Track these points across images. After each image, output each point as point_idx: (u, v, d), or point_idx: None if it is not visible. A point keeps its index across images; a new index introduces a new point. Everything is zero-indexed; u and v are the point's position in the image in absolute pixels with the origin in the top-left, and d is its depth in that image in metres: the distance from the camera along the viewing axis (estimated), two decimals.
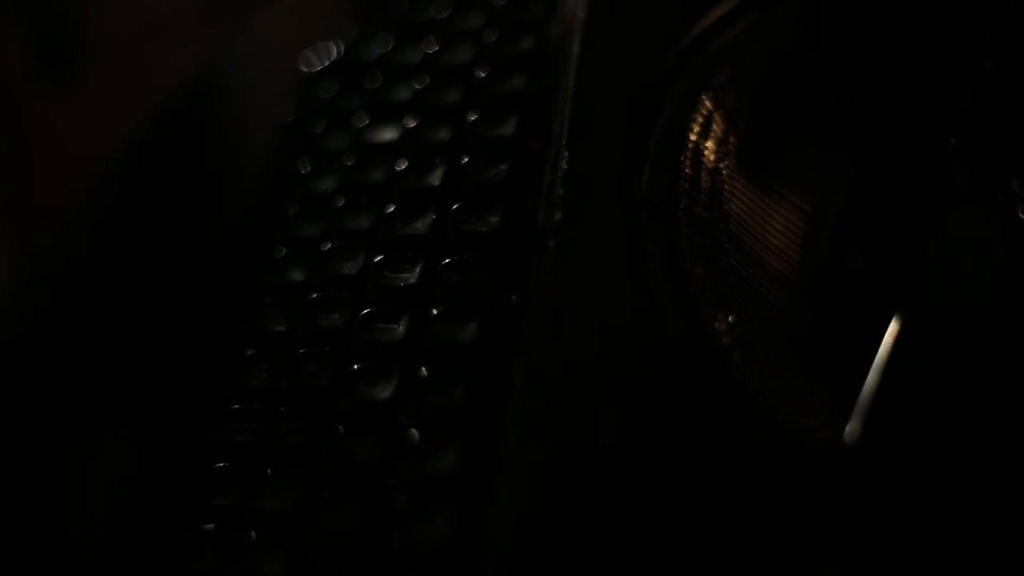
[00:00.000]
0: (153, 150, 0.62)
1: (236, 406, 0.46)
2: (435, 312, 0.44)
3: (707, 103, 0.49)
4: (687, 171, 0.47)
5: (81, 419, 0.50)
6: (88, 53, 0.73)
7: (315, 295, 0.48)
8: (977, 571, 0.36)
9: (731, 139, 0.49)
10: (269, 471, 0.43)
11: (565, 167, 0.46)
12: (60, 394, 0.51)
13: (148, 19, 0.77)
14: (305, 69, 0.61)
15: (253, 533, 0.42)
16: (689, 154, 0.47)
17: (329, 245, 0.50)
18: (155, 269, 0.56)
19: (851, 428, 0.39)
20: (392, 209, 0.49)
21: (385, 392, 0.43)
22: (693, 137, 0.48)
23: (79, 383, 0.51)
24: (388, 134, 0.53)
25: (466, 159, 0.49)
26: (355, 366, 0.44)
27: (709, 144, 0.48)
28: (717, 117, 0.49)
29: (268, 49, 0.69)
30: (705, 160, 0.48)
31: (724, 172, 0.48)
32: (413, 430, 0.41)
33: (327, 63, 0.60)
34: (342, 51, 0.60)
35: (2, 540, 0.46)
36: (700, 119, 0.48)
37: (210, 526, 0.43)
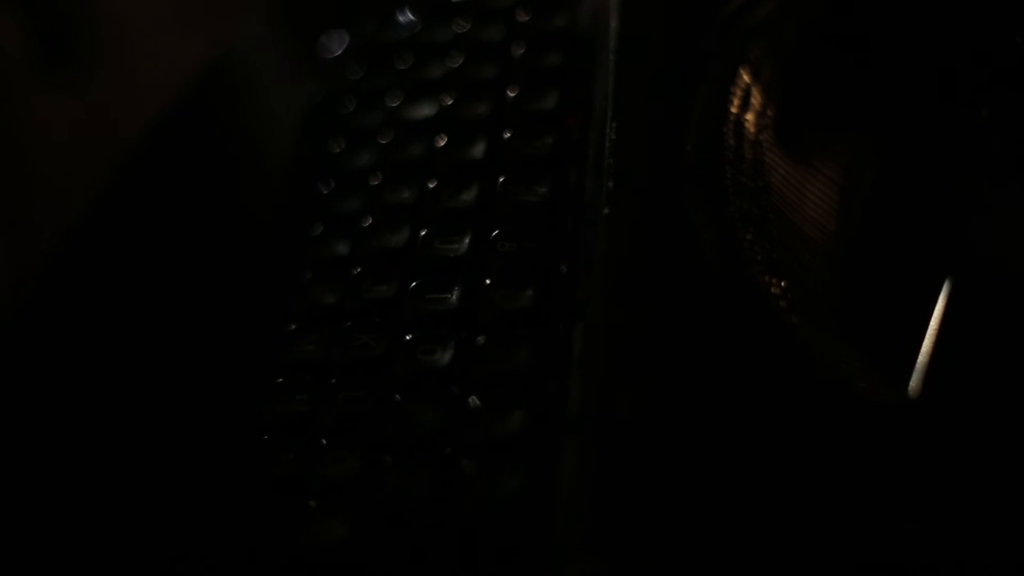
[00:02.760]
0: (174, 136, 0.62)
1: (286, 379, 0.46)
2: (489, 280, 0.44)
3: (745, 77, 0.49)
4: (730, 142, 0.48)
5: (134, 401, 0.49)
6: (92, 44, 0.73)
7: (362, 268, 0.48)
8: None
9: (768, 112, 0.49)
10: (325, 440, 0.43)
11: (614, 138, 0.46)
12: (110, 376, 0.51)
13: (153, 10, 0.77)
14: (324, 54, 0.61)
15: (313, 502, 0.42)
16: (731, 126, 0.48)
17: (371, 219, 0.49)
18: (186, 252, 0.56)
19: (913, 386, 0.40)
20: (435, 183, 0.49)
21: (444, 359, 0.43)
22: (734, 110, 0.49)
23: (126, 367, 0.51)
24: (425, 111, 0.53)
25: (508, 133, 0.49)
26: (409, 335, 0.44)
27: (749, 116, 0.49)
28: (755, 91, 0.49)
29: (283, 36, 0.69)
30: (746, 132, 0.48)
31: (764, 144, 0.48)
32: (476, 395, 0.41)
33: (347, 46, 0.60)
34: (366, 33, 0.60)
35: (70, 523, 0.46)
36: (739, 92, 0.49)
37: (270, 495, 0.43)
